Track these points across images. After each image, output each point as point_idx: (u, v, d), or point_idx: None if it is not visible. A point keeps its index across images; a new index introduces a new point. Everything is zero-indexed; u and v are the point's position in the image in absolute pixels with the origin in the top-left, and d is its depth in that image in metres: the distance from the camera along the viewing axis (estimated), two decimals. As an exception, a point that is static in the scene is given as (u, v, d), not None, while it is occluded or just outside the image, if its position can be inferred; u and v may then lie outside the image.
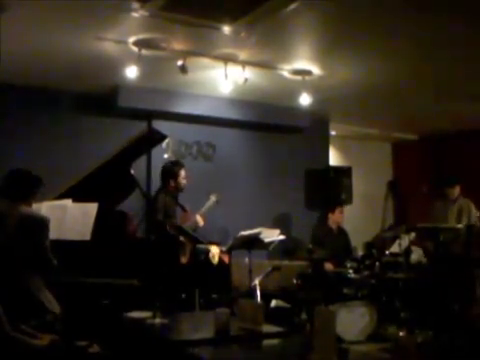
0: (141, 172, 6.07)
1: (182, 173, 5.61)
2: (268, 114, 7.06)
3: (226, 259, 5.68)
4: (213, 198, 5.87)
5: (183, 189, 5.63)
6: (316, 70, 5.65)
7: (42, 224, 3.50)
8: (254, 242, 5.18)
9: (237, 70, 5.50)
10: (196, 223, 5.64)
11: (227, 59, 5.31)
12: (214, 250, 5.66)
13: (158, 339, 3.16)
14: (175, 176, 5.57)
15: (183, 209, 5.66)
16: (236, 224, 6.01)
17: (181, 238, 5.28)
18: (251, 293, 5.05)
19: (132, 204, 4.74)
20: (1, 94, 5.79)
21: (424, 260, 6.05)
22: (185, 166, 5.72)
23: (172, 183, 5.56)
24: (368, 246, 6.01)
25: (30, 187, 3.59)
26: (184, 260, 5.36)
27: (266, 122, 7.15)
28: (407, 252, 5.73)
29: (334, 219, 6.64)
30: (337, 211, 6.66)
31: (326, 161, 8.02)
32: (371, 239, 6.27)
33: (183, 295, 5.13)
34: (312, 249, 5.64)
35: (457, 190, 6.70)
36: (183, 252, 5.37)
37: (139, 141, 4.46)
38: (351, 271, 5.55)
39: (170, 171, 5.61)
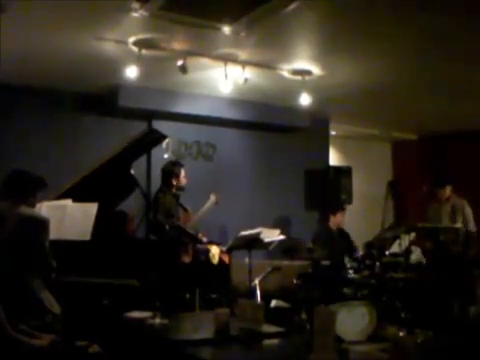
0: (141, 172, 6.07)
1: (182, 172, 5.66)
2: (268, 114, 7.05)
3: (226, 259, 5.69)
4: (213, 198, 5.89)
5: (184, 188, 5.66)
6: (316, 70, 5.65)
7: (42, 225, 3.49)
8: (254, 242, 5.18)
9: (237, 70, 5.49)
10: (196, 223, 5.66)
11: (227, 59, 5.31)
12: (214, 250, 5.67)
13: (158, 339, 3.16)
14: (176, 176, 5.61)
15: (184, 209, 5.67)
16: (236, 224, 6.02)
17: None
18: (251, 293, 5.05)
19: (132, 204, 4.73)
20: (1, 94, 5.79)
21: (424, 260, 6.05)
22: (184, 166, 5.78)
23: (174, 182, 5.59)
24: (368, 246, 6.01)
25: (30, 188, 3.59)
26: (187, 259, 5.37)
27: (266, 122, 7.14)
28: (407, 252, 5.73)
29: (335, 221, 6.64)
30: (339, 214, 6.66)
31: (326, 161, 8.01)
32: (371, 239, 6.26)
33: (187, 295, 5.13)
34: (312, 249, 5.64)
35: (448, 191, 6.68)
36: (186, 251, 5.38)
37: (139, 141, 4.46)
38: (351, 271, 5.55)
39: (170, 171, 5.64)
